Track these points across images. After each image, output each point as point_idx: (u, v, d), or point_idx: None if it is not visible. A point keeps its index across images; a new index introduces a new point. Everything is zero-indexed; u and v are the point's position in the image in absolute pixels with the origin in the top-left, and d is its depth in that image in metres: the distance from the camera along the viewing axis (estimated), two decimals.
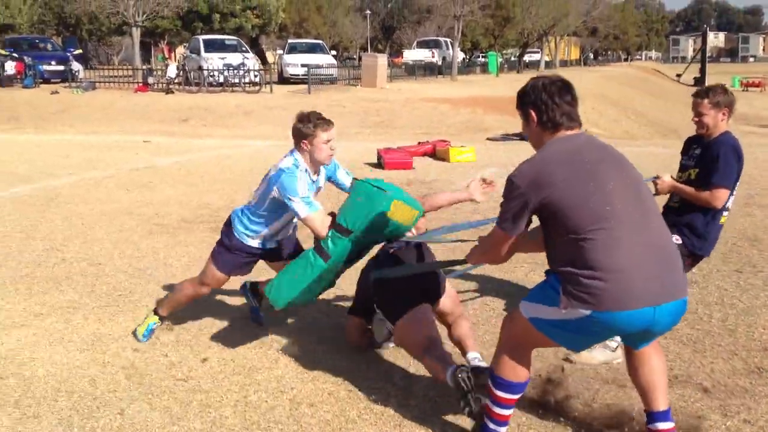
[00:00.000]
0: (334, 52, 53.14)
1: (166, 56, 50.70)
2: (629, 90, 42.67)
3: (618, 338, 4.20)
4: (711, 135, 4.73)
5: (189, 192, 10.96)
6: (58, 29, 50.95)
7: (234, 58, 29.63)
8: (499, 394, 3.42)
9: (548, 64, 63.97)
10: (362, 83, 29.51)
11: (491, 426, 3.49)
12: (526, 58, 63.65)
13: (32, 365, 4.69)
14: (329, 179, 4.83)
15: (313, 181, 4.60)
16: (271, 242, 4.83)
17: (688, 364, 4.68)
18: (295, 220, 4.78)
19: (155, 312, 5.15)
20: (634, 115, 31.53)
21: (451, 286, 4.65)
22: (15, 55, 30.02)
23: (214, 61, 29.20)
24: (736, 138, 4.76)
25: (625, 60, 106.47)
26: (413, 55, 45.96)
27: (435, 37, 52.75)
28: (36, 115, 23.49)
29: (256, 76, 29.25)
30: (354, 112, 23.59)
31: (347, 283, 6.28)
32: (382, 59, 31.44)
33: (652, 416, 3.47)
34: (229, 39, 34.33)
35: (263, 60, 44.60)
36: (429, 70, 40.24)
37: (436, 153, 15.08)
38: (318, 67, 30.22)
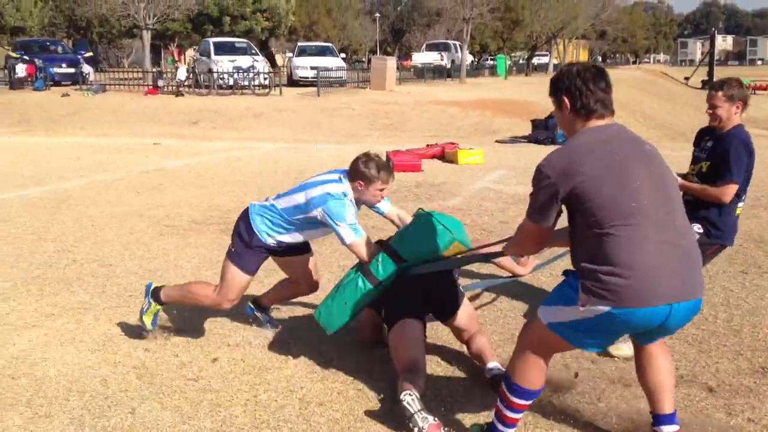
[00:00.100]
0: (343, 55, 53.21)
1: (176, 59, 50.85)
2: (637, 93, 42.53)
3: None
4: (724, 128, 4.77)
5: (199, 194, 11.00)
6: (68, 32, 51.17)
7: (244, 61, 29.71)
8: (514, 399, 3.40)
9: (557, 67, 63.80)
10: (371, 86, 29.54)
11: (500, 427, 3.48)
12: (535, 60, 63.61)
13: (44, 365, 4.72)
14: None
15: (357, 209, 4.60)
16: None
17: (693, 364, 4.70)
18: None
19: (156, 299, 4.98)
20: (642, 117, 31.46)
21: (469, 302, 4.68)
22: (26, 57, 30.18)
23: (224, 63, 29.29)
24: (747, 132, 4.78)
25: (634, 63, 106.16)
26: (422, 57, 45.98)
27: (444, 40, 52.79)
28: (47, 118, 23.61)
29: (265, 78, 29.33)
30: (363, 115, 23.63)
31: None
32: (391, 62, 31.47)
33: (658, 419, 3.50)
34: (239, 42, 34.43)
35: (272, 63, 44.67)
36: (438, 72, 40.25)
37: (445, 155, 15.11)
38: (327, 69, 30.31)
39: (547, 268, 5.97)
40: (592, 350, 3.35)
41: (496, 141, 19.33)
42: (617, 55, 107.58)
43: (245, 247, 4.69)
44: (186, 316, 5.63)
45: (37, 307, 5.88)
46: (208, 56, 30.87)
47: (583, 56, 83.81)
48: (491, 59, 59.82)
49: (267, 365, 4.71)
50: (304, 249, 4.93)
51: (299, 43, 40.53)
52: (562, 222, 3.29)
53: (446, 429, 3.77)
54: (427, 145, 16.08)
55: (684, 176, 4.91)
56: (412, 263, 4.29)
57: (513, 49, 68.91)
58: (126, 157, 15.59)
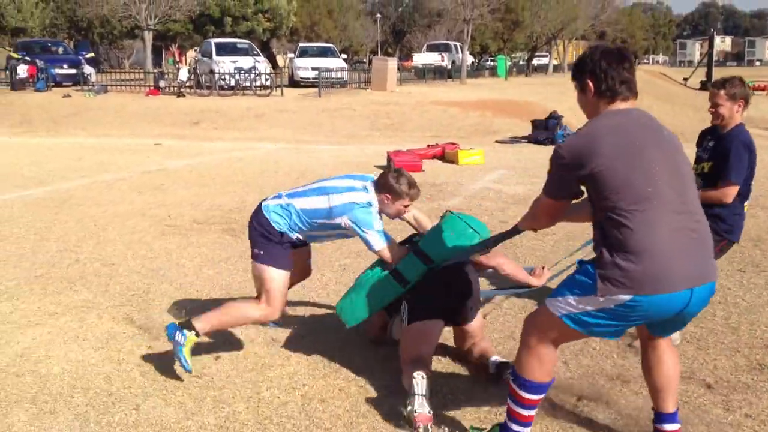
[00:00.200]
0: (344, 56, 53.25)
1: (177, 60, 50.94)
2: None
3: None
4: (725, 126, 4.82)
5: (201, 194, 11.05)
6: (69, 33, 51.25)
7: (245, 62, 29.74)
8: (524, 395, 3.34)
9: (556, 68, 63.94)
10: (372, 86, 29.58)
11: (514, 428, 3.41)
12: (535, 61, 63.69)
13: (48, 363, 4.75)
14: None
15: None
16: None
17: (691, 361, 4.75)
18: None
19: (192, 330, 4.47)
20: None
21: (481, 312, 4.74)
22: (27, 58, 30.20)
23: (225, 64, 29.31)
24: (748, 132, 4.84)
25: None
26: (423, 58, 46.01)
27: (445, 41, 52.85)
28: (48, 119, 23.65)
29: (267, 79, 29.36)
30: (364, 115, 23.67)
31: None
32: (392, 63, 31.47)
33: (661, 417, 3.51)
34: (241, 42, 34.46)
35: (274, 64, 44.72)
36: (438, 73, 40.30)
37: (445, 155, 15.16)
38: (328, 70, 30.34)
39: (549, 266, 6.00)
40: (607, 338, 3.29)
41: (496, 141, 19.37)
42: None
43: (275, 244, 4.52)
44: (188, 315, 5.66)
45: (40, 305, 5.92)
46: (210, 57, 30.89)
47: None
48: (492, 60, 59.92)
49: (269, 362, 4.75)
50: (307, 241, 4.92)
51: (300, 44, 40.58)
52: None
53: (444, 428, 3.81)
54: (428, 146, 16.13)
55: None
56: (439, 263, 4.34)
57: (513, 50, 68.99)
58: (128, 158, 15.63)
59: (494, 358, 4.46)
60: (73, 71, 30.59)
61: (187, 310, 5.78)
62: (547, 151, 3.36)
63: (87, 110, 24.86)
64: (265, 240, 4.52)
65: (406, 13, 79.24)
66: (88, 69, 30.97)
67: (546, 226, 3.60)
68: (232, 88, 28.53)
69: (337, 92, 28.62)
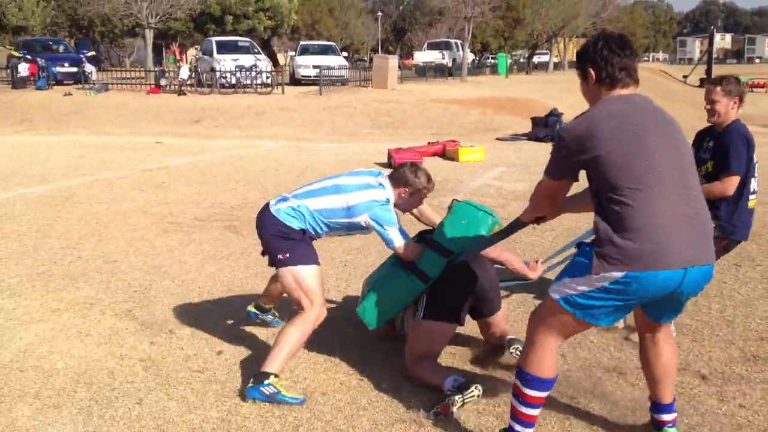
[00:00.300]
0: (345, 54, 53.27)
1: (178, 58, 50.96)
2: (637, 91, 42.66)
3: None
4: (722, 123, 4.87)
5: (202, 191, 11.08)
6: (70, 31, 51.31)
7: (246, 60, 29.73)
8: (528, 392, 3.34)
9: (557, 66, 63.93)
10: (373, 84, 29.59)
11: (518, 428, 3.40)
12: (535, 59, 63.62)
13: (51, 358, 4.79)
14: None
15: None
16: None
17: (687, 353, 4.81)
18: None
19: (269, 375, 4.18)
20: None
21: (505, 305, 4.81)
22: (28, 57, 30.22)
23: (226, 62, 29.32)
24: (745, 126, 4.89)
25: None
26: (424, 56, 46.03)
27: (445, 39, 52.86)
28: (49, 117, 23.69)
29: (268, 77, 29.37)
30: (365, 113, 23.69)
31: (357, 278, 6.40)
32: (393, 61, 31.48)
33: (659, 407, 3.58)
34: (242, 41, 34.46)
35: (275, 62, 44.73)
36: (439, 71, 40.28)
37: (446, 153, 15.20)
38: (329, 68, 30.36)
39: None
40: (603, 324, 3.30)
41: (497, 138, 19.41)
42: None
43: (299, 242, 4.38)
44: (190, 310, 5.72)
45: (42, 302, 5.96)
46: (211, 55, 30.88)
47: None
48: (492, 58, 59.81)
49: None
50: None
51: (301, 42, 40.56)
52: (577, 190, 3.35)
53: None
54: (429, 143, 16.17)
55: None
56: (458, 253, 4.37)
57: (514, 48, 68.94)
58: (129, 156, 15.67)
59: (510, 336, 4.57)
60: (74, 70, 30.57)
61: (186, 304, 5.83)
62: (547, 148, 3.41)
63: (88, 108, 24.90)
64: (288, 241, 4.36)
65: (407, 11, 79.32)
66: (89, 67, 30.97)
67: (547, 210, 3.62)
68: (233, 86, 28.55)
69: (338, 90, 28.65)
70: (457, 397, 3.88)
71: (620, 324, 5.02)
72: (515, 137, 19.39)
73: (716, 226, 4.74)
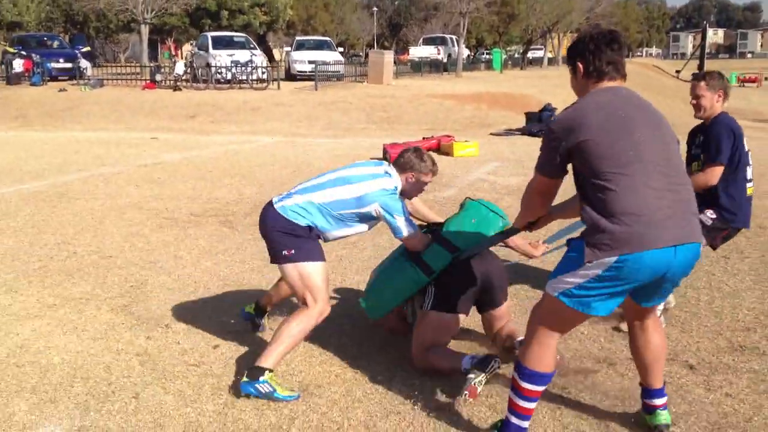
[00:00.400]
0: (341, 49, 53.21)
1: (173, 53, 50.87)
2: (630, 86, 42.52)
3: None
4: (708, 117, 4.98)
5: (198, 187, 11.10)
6: (65, 27, 51.17)
7: (242, 55, 29.61)
8: (526, 385, 3.39)
9: (551, 61, 63.99)
10: (369, 80, 29.55)
11: (514, 420, 3.45)
12: (530, 54, 63.62)
13: (47, 353, 4.81)
14: None
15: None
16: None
17: (675, 344, 4.87)
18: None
19: (264, 371, 4.15)
20: None
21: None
22: (23, 52, 30.14)
23: (222, 58, 29.23)
24: (731, 117, 4.99)
25: (626, 56, 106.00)
26: (419, 52, 45.93)
27: (441, 34, 52.78)
28: (44, 113, 23.66)
29: (263, 72, 29.29)
30: (360, 108, 23.71)
31: (352, 272, 6.44)
32: (389, 56, 31.44)
33: (650, 392, 3.65)
34: (237, 36, 34.33)
35: (270, 57, 44.65)
36: (434, 66, 40.23)
37: (441, 148, 15.25)
38: (325, 64, 30.31)
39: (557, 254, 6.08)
40: (600, 314, 3.32)
41: (491, 133, 19.47)
42: None
43: (306, 239, 4.32)
44: (186, 305, 5.75)
45: (39, 298, 5.98)
46: (207, 50, 30.75)
47: None
48: (487, 53, 59.83)
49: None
50: None
51: (297, 37, 40.45)
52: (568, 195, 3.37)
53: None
54: (424, 138, 16.21)
55: None
56: (463, 251, 4.40)
57: (508, 43, 69.02)
58: (124, 151, 15.68)
59: (521, 338, 4.48)
60: (69, 65, 30.50)
61: (183, 300, 5.86)
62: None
63: (83, 104, 24.86)
64: (295, 237, 4.29)
65: (403, 7, 79.29)
66: (84, 63, 30.88)
67: (540, 209, 3.66)
68: (228, 81, 28.48)
69: (333, 85, 28.62)
70: (480, 378, 3.95)
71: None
72: (509, 132, 19.45)
73: (717, 217, 4.85)
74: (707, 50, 63.69)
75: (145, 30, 35.62)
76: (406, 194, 4.57)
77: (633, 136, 3.17)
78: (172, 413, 4.00)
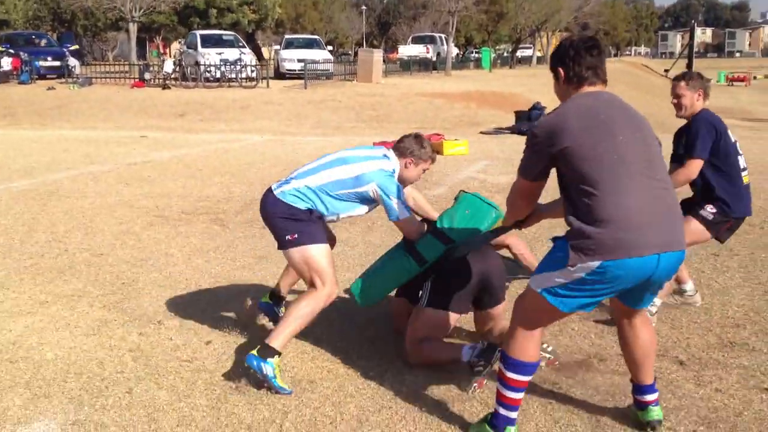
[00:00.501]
0: (330, 48, 53.20)
1: (161, 52, 50.76)
2: (618, 85, 42.72)
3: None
4: (689, 116, 5.08)
5: (188, 185, 11.11)
6: (53, 25, 50.97)
7: (231, 54, 29.59)
8: (511, 375, 3.42)
9: (540, 60, 64.16)
10: (358, 78, 29.58)
11: (502, 411, 3.48)
12: (519, 53, 63.82)
13: (41, 349, 4.83)
14: None
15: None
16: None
17: (665, 340, 4.92)
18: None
19: (275, 353, 4.17)
20: None
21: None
22: (11, 51, 30.05)
23: (211, 56, 29.20)
24: (712, 113, 5.08)
25: (615, 55, 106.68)
26: (408, 50, 45.97)
27: (430, 33, 52.88)
28: (32, 111, 23.58)
29: (252, 71, 29.28)
30: (350, 107, 23.73)
31: (344, 269, 6.47)
32: (378, 55, 31.47)
33: (641, 389, 3.68)
34: (226, 34, 34.30)
35: (259, 55, 44.62)
36: (424, 65, 40.30)
37: None
38: (314, 62, 30.32)
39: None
40: (585, 310, 3.39)
41: (481, 132, 19.52)
42: None
43: (307, 222, 4.33)
44: (178, 302, 5.78)
45: (31, 294, 5.99)
46: (195, 49, 30.70)
47: None
48: (476, 52, 59.96)
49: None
50: None
51: (286, 36, 40.50)
52: (554, 195, 3.43)
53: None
54: None
55: None
56: (456, 246, 4.42)
57: (497, 42, 69.14)
58: (114, 150, 15.66)
59: None
60: (57, 63, 30.46)
61: (175, 296, 5.89)
62: None
63: (72, 103, 24.80)
64: (296, 221, 4.31)
65: (391, 5, 79.34)
66: (72, 61, 30.80)
67: (525, 210, 3.72)
68: (217, 79, 28.47)
69: (322, 84, 28.64)
70: (488, 370, 4.00)
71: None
72: (499, 131, 19.51)
73: (717, 211, 4.93)
74: (696, 49, 63.90)
75: (133, 28, 35.57)
76: (403, 179, 4.57)
77: (615, 138, 3.21)
78: (165, 408, 4.02)
